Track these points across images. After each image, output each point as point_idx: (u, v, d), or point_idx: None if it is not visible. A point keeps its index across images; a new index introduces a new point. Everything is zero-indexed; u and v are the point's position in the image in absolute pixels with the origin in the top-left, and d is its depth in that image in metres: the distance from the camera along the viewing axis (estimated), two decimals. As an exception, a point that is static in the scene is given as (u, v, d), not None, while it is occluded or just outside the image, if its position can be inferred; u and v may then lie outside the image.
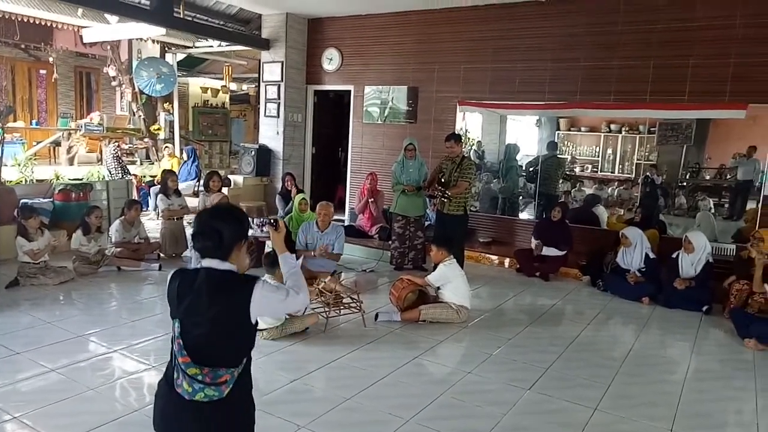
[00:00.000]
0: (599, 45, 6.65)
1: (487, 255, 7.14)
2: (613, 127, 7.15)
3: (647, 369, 3.97)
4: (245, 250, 1.88)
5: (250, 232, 1.99)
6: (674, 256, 5.59)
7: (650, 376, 3.83)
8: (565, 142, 7.58)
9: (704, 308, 5.28)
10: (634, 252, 5.70)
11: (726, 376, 3.99)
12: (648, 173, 6.87)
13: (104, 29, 9.29)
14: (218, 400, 1.72)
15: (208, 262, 1.79)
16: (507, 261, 6.97)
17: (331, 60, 8.71)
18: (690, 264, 5.44)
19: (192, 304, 1.75)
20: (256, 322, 1.84)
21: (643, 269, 5.63)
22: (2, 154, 6.30)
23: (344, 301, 4.60)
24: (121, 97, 12.76)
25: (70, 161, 10.84)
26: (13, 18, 9.36)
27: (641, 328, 4.87)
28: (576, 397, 3.43)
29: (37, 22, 9.54)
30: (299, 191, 7.46)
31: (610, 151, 7.33)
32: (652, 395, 3.54)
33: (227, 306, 1.76)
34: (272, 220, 2.21)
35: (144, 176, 10.00)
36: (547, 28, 6.95)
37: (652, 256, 5.66)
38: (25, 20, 9.47)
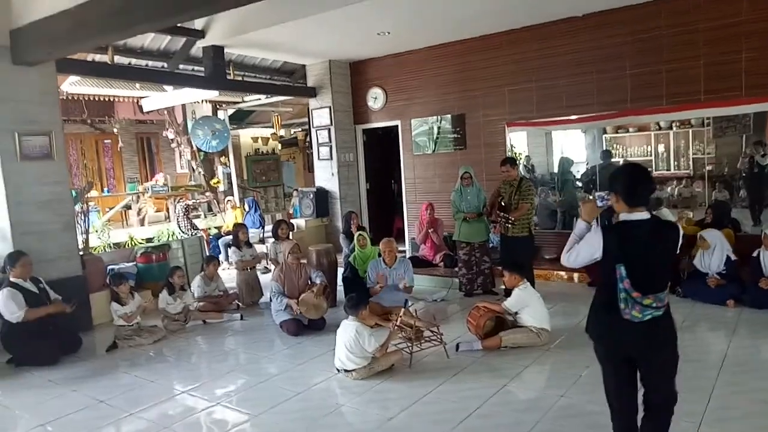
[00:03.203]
0: (643, 51, 6.64)
1: (556, 271, 7.10)
2: (662, 124, 7.05)
3: (746, 377, 3.86)
4: None
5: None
6: (755, 254, 5.42)
7: (751, 385, 3.73)
8: (614, 145, 7.50)
9: (794, 309, 5.09)
10: (713, 255, 5.56)
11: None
12: (750, 152, 6.40)
13: (162, 97, 9.92)
14: (658, 316, 2.39)
15: (639, 214, 2.42)
16: (576, 275, 6.91)
17: (375, 99, 9.00)
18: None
19: (640, 247, 2.38)
20: None
21: (723, 271, 5.48)
22: (88, 225, 6.78)
23: (425, 334, 4.69)
24: (180, 156, 13.49)
25: (141, 222, 11.50)
26: (79, 98, 10.17)
27: (731, 333, 4.73)
28: (679, 413, 3.34)
29: (101, 99, 10.32)
30: (360, 228, 7.65)
31: (662, 148, 7.20)
32: (758, 405, 3.45)
33: (668, 243, 2.45)
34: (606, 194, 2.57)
35: (209, 228, 10.47)
36: (587, 42, 7.00)
37: (733, 257, 5.51)
38: (91, 98, 10.26)
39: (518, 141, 7.99)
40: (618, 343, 2.51)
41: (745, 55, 6.02)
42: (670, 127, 7.02)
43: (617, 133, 7.47)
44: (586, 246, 2.51)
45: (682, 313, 5.33)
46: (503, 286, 5.96)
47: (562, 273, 7.04)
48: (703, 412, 3.36)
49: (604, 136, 7.50)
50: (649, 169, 2.60)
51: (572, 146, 7.86)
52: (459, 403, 3.75)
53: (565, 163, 7.87)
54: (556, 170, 8.00)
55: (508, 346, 4.63)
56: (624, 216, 2.45)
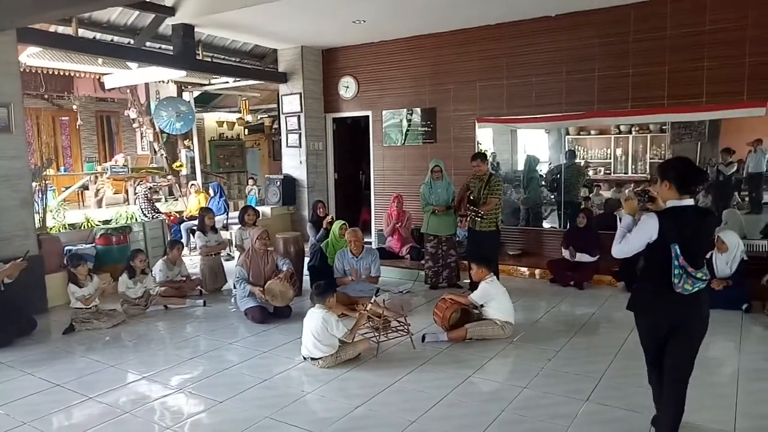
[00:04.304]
0: (612, 54, 6.81)
1: (518, 267, 7.24)
2: (622, 128, 7.26)
3: (698, 372, 3.96)
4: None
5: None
6: (708, 257, 5.65)
7: (703, 379, 3.86)
8: (576, 147, 7.69)
9: (744, 307, 5.34)
10: None
11: (777, 373, 4.04)
12: (716, 161, 6.51)
13: (126, 75, 9.59)
14: (702, 288, 2.76)
15: (686, 201, 2.79)
16: (538, 272, 7.06)
17: (347, 88, 8.94)
18: (725, 263, 5.51)
19: (692, 229, 2.75)
20: None
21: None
22: (45, 203, 6.53)
23: (392, 324, 4.72)
24: (142, 137, 13.11)
25: (98, 203, 11.14)
26: (37, 71, 9.74)
27: (684, 331, 4.92)
28: (634, 405, 3.51)
29: (60, 73, 9.90)
30: (326, 215, 7.61)
31: (620, 151, 7.41)
32: (708, 398, 3.61)
33: (709, 225, 2.90)
34: (648, 191, 3.05)
35: (171, 213, 10.22)
36: (559, 42, 7.12)
37: None
38: (49, 72, 9.84)
39: (484, 138, 8.09)
40: (667, 314, 2.86)
41: (707, 63, 6.26)
42: (630, 132, 7.23)
43: (579, 135, 7.65)
44: (639, 234, 2.83)
45: (638, 310, 5.51)
46: (468, 280, 6.05)
47: (524, 269, 7.19)
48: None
49: (566, 137, 7.67)
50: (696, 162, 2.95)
51: (536, 146, 8.02)
52: (424, 393, 3.79)
53: (532, 162, 8.02)
54: (520, 168, 8.14)
55: (474, 338, 4.71)
56: (674, 202, 2.80)
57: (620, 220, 2.97)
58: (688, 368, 2.94)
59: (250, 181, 12.72)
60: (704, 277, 2.75)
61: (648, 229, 2.78)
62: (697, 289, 2.74)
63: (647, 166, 7.16)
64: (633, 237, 2.85)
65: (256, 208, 7.93)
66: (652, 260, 2.84)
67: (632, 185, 7.34)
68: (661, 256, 2.74)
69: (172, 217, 9.22)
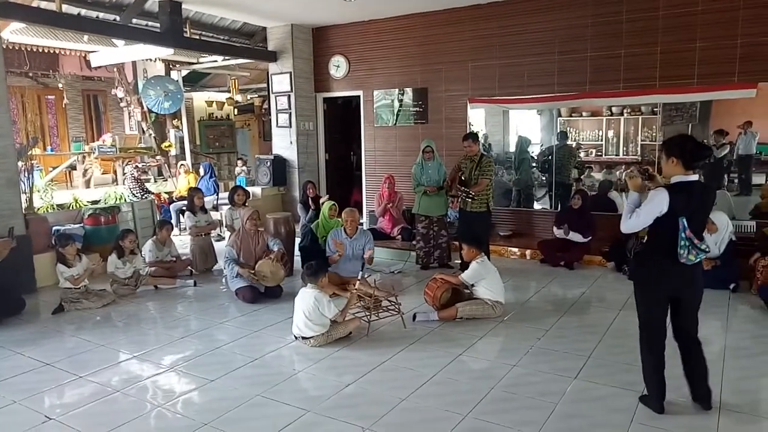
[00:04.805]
0: (604, 35, 6.77)
1: (509, 248, 7.27)
2: (614, 110, 7.25)
3: None
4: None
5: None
6: (696, 237, 5.70)
7: None
8: (568, 128, 7.68)
9: (731, 286, 5.40)
10: None
11: (762, 352, 4.09)
12: (721, 144, 6.46)
13: (112, 53, 9.43)
14: (701, 258, 2.91)
15: (692, 176, 2.92)
16: (528, 252, 7.10)
17: (338, 67, 8.85)
18: (714, 244, 5.54)
19: (698, 203, 2.92)
20: None
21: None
22: (32, 183, 6.45)
23: (383, 304, 4.74)
24: (129, 117, 12.93)
25: (87, 184, 11.02)
26: (21, 48, 9.54)
27: (671, 310, 4.98)
28: (621, 383, 3.56)
29: (45, 51, 9.71)
30: (317, 197, 7.61)
31: (611, 133, 7.42)
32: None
33: (711, 199, 3.09)
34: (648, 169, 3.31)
35: (161, 193, 10.14)
36: (551, 22, 7.07)
37: None
38: (33, 49, 9.64)
39: (476, 119, 8.05)
40: (672, 283, 3.03)
41: (699, 44, 6.24)
42: (621, 113, 7.23)
43: (571, 116, 7.63)
44: (649, 208, 2.94)
45: (627, 290, 5.46)
46: (459, 260, 6.07)
47: (515, 249, 7.22)
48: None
49: (558, 118, 7.66)
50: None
51: (528, 127, 8.00)
52: (415, 371, 3.82)
53: (524, 143, 8.01)
54: (511, 149, 8.14)
55: (464, 318, 4.74)
56: (679, 178, 2.92)
57: (626, 199, 3.10)
58: (696, 326, 3.18)
59: (240, 162, 12.63)
60: (706, 249, 2.90)
61: (659, 203, 2.89)
62: (698, 259, 2.91)
63: (638, 148, 7.18)
64: (644, 211, 2.95)
65: (246, 188, 7.89)
66: (660, 233, 2.96)
67: (623, 167, 7.37)
68: (669, 229, 2.88)
69: (162, 199, 9.13)
